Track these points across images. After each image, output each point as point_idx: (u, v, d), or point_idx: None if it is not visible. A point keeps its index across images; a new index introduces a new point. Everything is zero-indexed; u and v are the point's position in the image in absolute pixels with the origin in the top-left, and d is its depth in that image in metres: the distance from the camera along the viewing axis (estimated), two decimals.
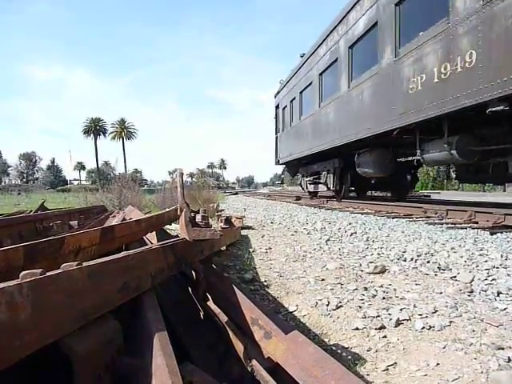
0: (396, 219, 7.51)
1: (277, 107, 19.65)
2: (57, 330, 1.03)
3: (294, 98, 15.81)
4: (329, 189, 13.37)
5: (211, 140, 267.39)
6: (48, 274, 1.06)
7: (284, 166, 19.90)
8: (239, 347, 1.63)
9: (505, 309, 2.40)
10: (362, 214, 8.97)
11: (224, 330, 1.79)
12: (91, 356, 1.06)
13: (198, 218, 2.59)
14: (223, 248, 4.47)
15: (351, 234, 5.41)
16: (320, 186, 14.49)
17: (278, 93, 19.08)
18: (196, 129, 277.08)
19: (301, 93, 14.80)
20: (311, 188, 15.83)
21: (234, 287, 2.07)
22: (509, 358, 1.79)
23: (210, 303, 2.17)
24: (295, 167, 17.98)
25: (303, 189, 17.53)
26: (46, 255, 1.91)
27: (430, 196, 20.92)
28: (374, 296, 2.78)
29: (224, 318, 1.88)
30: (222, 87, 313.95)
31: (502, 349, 1.89)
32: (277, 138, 19.75)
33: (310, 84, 13.57)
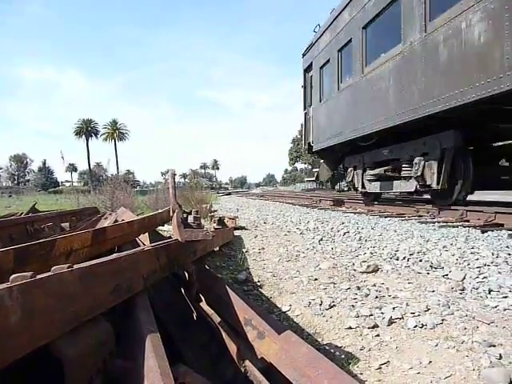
0: (388, 218, 7.55)
1: (307, 70, 13.48)
2: (48, 333, 1.02)
3: (349, 42, 9.76)
4: (426, 187, 7.88)
5: (204, 141, 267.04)
6: (38, 276, 1.05)
7: (316, 155, 13.87)
8: (232, 348, 1.63)
9: (496, 306, 2.42)
10: (355, 213, 9.00)
11: (217, 331, 1.79)
12: (82, 359, 1.06)
13: (190, 218, 2.58)
14: (216, 249, 4.46)
15: (344, 234, 5.43)
16: (397, 183, 8.99)
17: (311, 47, 12.79)
18: (189, 129, 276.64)
19: (365, 28, 8.93)
20: (374, 187, 10.15)
21: (227, 288, 2.06)
22: (500, 355, 1.80)
23: (203, 304, 2.17)
24: (336, 156, 12.44)
25: (355, 189, 11.56)
26: (36, 258, 1.90)
27: (422, 195, 21.02)
28: (366, 295, 2.79)
29: (217, 318, 1.88)
30: (214, 88, 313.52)
31: (494, 346, 1.90)
32: (306, 114, 13.69)
33: (389, 4, 7.90)
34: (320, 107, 12.18)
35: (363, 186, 10.72)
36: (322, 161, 13.51)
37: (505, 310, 2.36)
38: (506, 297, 2.56)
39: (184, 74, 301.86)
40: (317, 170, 13.99)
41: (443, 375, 1.71)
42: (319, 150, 12.50)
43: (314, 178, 15.28)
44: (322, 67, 11.95)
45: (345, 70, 10.38)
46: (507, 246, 4.10)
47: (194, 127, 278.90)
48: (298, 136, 68.65)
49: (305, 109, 13.89)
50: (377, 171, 9.72)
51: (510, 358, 1.77)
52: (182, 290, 2.38)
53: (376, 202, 10.77)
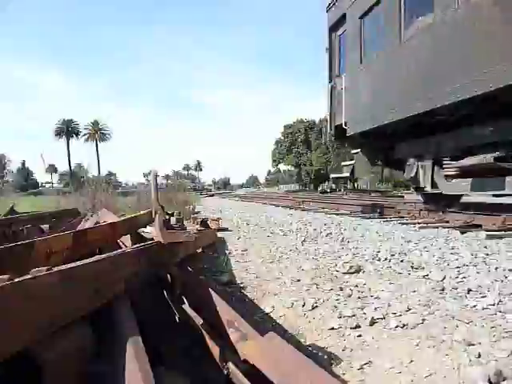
0: (370, 219, 7.64)
1: (334, 28, 9.73)
2: (25, 338, 1.00)
3: None
4: None
5: (187, 141, 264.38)
6: (16, 280, 1.02)
7: (350, 142, 9.83)
8: (215, 350, 1.62)
9: (475, 306, 2.46)
10: (338, 214, 9.07)
11: (200, 333, 1.78)
12: (61, 363, 1.04)
13: (173, 220, 2.57)
14: (199, 250, 4.44)
15: (327, 235, 5.46)
16: None
17: None
18: (173, 130, 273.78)
19: None
20: (457, 187, 6.75)
21: (210, 290, 2.05)
22: (479, 353, 1.83)
23: (186, 306, 2.15)
24: (383, 143, 8.76)
25: (419, 189, 8.17)
26: (14, 260, 1.86)
27: (403, 196, 21.41)
28: (349, 296, 2.81)
29: (199, 320, 1.87)
30: (198, 89, 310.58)
31: (473, 345, 1.94)
32: (333, 88, 9.66)
33: None
34: (360, 73, 8.40)
35: (434, 185, 7.26)
36: (357, 151, 9.52)
37: (483, 309, 2.41)
38: (484, 296, 2.61)
39: (169, 75, 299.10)
40: (349, 163, 9.89)
41: (424, 374, 1.73)
42: (357, 134, 8.61)
43: (346, 174, 10.26)
44: (363, 16, 8.26)
45: (413, 9, 6.89)
46: (485, 247, 4.19)
47: (178, 128, 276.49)
48: (282, 137, 68.48)
49: (330, 80, 9.85)
50: (474, 161, 6.20)
51: (489, 357, 1.80)
52: (165, 293, 2.36)
53: (453, 210, 7.62)
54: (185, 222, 3.84)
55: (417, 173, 7.68)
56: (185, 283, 2.27)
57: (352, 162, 9.76)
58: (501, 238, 4.87)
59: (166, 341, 1.80)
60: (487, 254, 3.72)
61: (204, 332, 1.75)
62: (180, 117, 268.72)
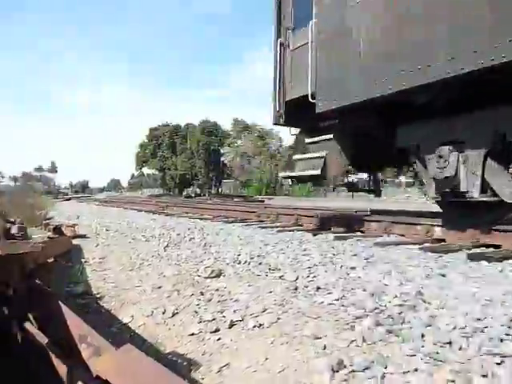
0: (232, 224, 7.87)
1: None
2: None
3: None
4: None
5: (42, 142, 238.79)
6: None
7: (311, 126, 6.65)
8: (62, 369, 1.49)
9: (322, 302, 2.69)
10: (201, 219, 9.15)
11: (45, 352, 1.62)
12: None
13: (15, 229, 2.31)
14: (50, 260, 4.06)
15: (190, 240, 5.47)
16: None
17: None
18: (24, 129, 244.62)
19: None
20: None
21: (60, 303, 1.89)
22: (325, 345, 2.01)
23: (31, 323, 1.95)
24: (371, 125, 5.73)
25: (457, 195, 4.70)
26: None
27: (263, 201, 22.68)
28: (209, 300, 2.85)
29: (45, 339, 1.70)
30: (54, 85, 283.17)
31: (320, 338, 2.11)
32: (284, 45, 6.60)
33: None
34: (352, 11, 5.06)
35: (485, 189, 4.60)
36: (328, 137, 6.14)
37: (329, 304, 2.64)
38: (330, 293, 2.86)
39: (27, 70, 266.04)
40: (311, 155, 6.36)
41: (277, 370, 1.84)
42: (338, 109, 5.46)
43: (313, 172, 6.02)
44: None
45: None
46: (333, 247, 4.64)
47: (30, 126, 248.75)
48: (146, 140, 66.25)
49: (280, 35, 6.77)
50: None
51: (333, 348, 1.99)
52: (5, 310, 2.10)
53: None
54: (35, 229, 3.50)
55: (457, 171, 4.71)
56: (31, 298, 2.05)
57: (317, 154, 6.18)
58: (345, 239, 5.45)
59: (4, 364, 1.60)
60: (334, 254, 4.11)
61: (50, 351, 1.60)
62: (33, 114, 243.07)
